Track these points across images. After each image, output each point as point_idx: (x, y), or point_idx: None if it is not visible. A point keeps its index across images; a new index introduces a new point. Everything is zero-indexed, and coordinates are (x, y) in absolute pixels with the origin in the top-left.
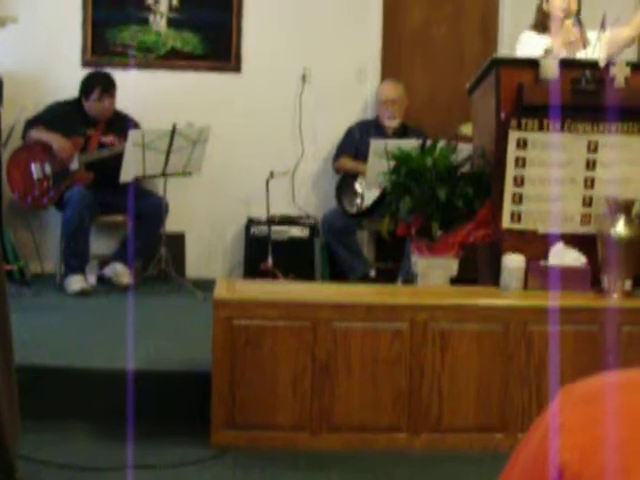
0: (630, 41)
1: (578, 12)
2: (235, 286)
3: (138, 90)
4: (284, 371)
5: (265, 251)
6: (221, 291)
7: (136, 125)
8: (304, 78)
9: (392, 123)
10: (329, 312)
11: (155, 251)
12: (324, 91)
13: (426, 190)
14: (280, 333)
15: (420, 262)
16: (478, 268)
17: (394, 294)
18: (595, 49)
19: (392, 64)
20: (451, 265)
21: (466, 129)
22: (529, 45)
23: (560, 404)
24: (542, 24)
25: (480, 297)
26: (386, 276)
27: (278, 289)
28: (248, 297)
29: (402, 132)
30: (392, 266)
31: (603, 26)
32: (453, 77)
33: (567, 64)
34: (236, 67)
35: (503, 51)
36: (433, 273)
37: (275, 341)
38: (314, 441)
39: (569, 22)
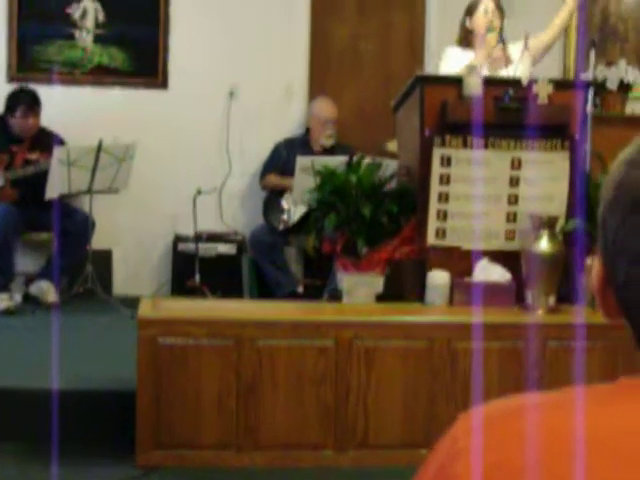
0: (551, 43)
1: (501, 30)
2: (160, 304)
3: (64, 106)
4: (209, 389)
5: (192, 268)
6: (146, 310)
7: (62, 142)
8: (232, 95)
9: (328, 142)
10: (254, 330)
11: (81, 268)
12: (252, 108)
13: (351, 207)
14: (204, 351)
15: (346, 279)
16: (404, 285)
17: (319, 311)
18: (518, 67)
19: (320, 81)
20: (376, 282)
21: (393, 146)
22: (452, 60)
23: (460, 428)
24: (465, 40)
25: (405, 314)
26: (314, 292)
27: (203, 307)
28: (173, 315)
29: (331, 150)
30: (320, 282)
31: (526, 45)
32: (381, 93)
33: (491, 82)
34: (163, 84)
35: (430, 68)
36: (359, 290)
37: (200, 359)
38: (240, 459)
39: (492, 36)
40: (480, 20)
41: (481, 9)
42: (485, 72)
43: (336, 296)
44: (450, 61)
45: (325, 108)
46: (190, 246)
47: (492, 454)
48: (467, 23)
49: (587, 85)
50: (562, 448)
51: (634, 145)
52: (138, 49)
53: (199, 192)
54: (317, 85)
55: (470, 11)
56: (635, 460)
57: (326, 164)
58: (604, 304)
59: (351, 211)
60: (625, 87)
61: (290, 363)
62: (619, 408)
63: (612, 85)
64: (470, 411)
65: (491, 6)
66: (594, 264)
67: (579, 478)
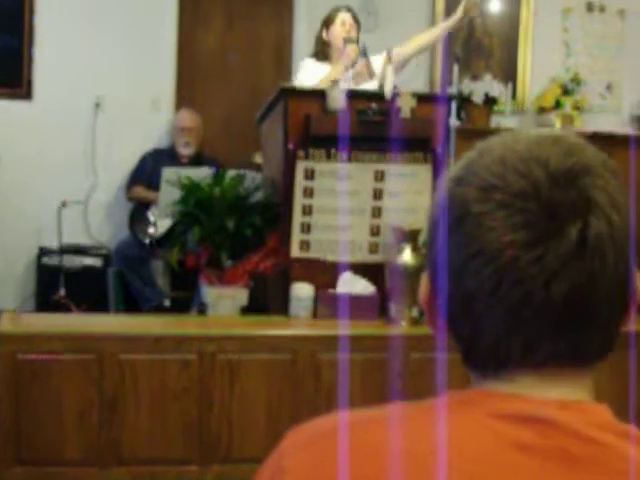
0: (412, 56)
1: (363, 44)
2: (21, 319)
3: None
4: (71, 405)
5: (57, 281)
6: (6, 325)
7: None
8: (98, 106)
9: (187, 151)
10: (116, 344)
11: None
12: (118, 119)
13: (215, 220)
14: (66, 366)
15: (210, 292)
16: (268, 297)
17: (183, 325)
18: (381, 80)
19: (187, 92)
20: (241, 295)
21: (259, 158)
22: (309, 73)
23: (284, 446)
24: (322, 53)
25: (269, 327)
26: (181, 305)
27: (65, 321)
28: (33, 330)
29: (197, 161)
30: (187, 295)
31: (390, 58)
32: (248, 106)
33: (354, 95)
34: (27, 94)
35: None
36: (223, 303)
37: (61, 375)
38: (103, 476)
39: (352, 47)
40: (337, 32)
41: (338, 21)
42: (349, 85)
43: (203, 310)
44: (307, 74)
45: (182, 117)
46: (55, 259)
47: (315, 472)
48: (324, 35)
49: (450, 99)
50: (385, 464)
51: (460, 161)
52: (2, 59)
53: (64, 204)
54: (184, 97)
55: (327, 23)
56: (447, 471)
57: (191, 176)
58: (431, 318)
59: (215, 224)
60: (490, 101)
61: (153, 377)
62: (442, 423)
63: (478, 99)
64: (298, 427)
65: (348, 18)
66: (423, 279)
67: None
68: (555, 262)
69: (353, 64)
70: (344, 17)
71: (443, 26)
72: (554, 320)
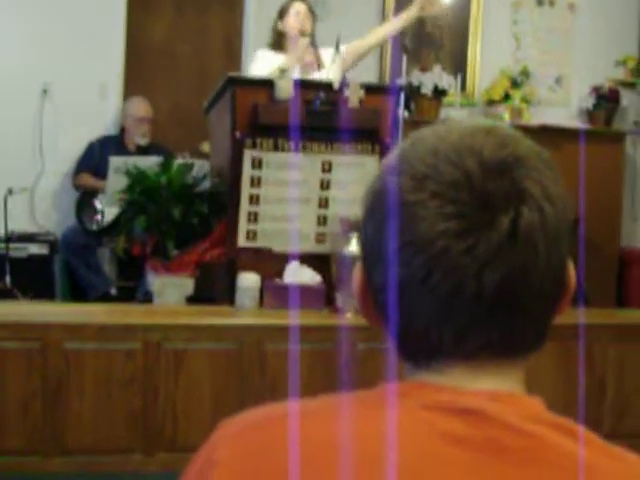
0: (367, 51)
1: (312, 34)
2: None
3: None
4: (14, 394)
5: (3, 269)
6: None
7: None
8: (45, 93)
9: (142, 141)
10: (60, 333)
11: None
12: (66, 107)
13: (161, 208)
14: (9, 355)
15: (156, 281)
16: (214, 287)
17: (128, 314)
18: (330, 71)
19: (135, 80)
20: (187, 284)
21: (207, 147)
22: (263, 63)
23: (216, 438)
24: (277, 43)
25: (215, 316)
26: (127, 294)
27: (9, 310)
28: None
29: (145, 150)
30: (134, 284)
31: (337, 48)
32: (196, 94)
33: (302, 85)
34: None
35: (247, 70)
36: (169, 292)
37: (4, 363)
38: (46, 465)
39: (304, 40)
40: (291, 22)
41: (292, 11)
42: (297, 75)
43: (149, 299)
44: (261, 64)
45: (139, 107)
46: (0, 247)
47: (247, 463)
48: (279, 25)
49: (399, 90)
50: (318, 456)
51: (394, 151)
52: None
53: (10, 192)
54: (132, 84)
55: (282, 13)
56: (380, 464)
57: (139, 165)
58: (365, 309)
59: (161, 212)
60: (439, 93)
61: (97, 366)
62: (376, 414)
63: (427, 90)
64: (229, 419)
65: (303, 9)
66: (356, 270)
67: None
68: (487, 252)
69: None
70: (298, 8)
71: (397, 24)
72: (485, 310)
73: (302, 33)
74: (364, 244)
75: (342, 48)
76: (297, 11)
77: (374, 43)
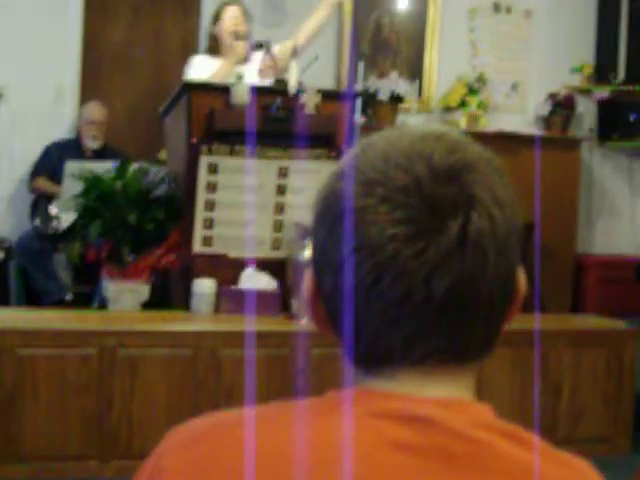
0: (298, 49)
1: (247, 36)
2: None
3: None
4: None
5: None
6: None
7: None
8: (0, 96)
9: (95, 144)
10: (14, 339)
11: None
12: (21, 109)
13: (116, 214)
14: None
15: (111, 287)
16: (170, 293)
17: (83, 320)
18: (288, 76)
19: (92, 84)
20: (142, 290)
21: (164, 154)
22: (199, 68)
23: (163, 446)
24: (213, 48)
25: (170, 322)
26: (83, 300)
27: None
28: None
29: (102, 154)
30: (90, 290)
31: (268, 53)
32: (153, 99)
33: (259, 91)
34: None
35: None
36: (124, 298)
37: None
38: (2, 472)
39: (240, 44)
40: (225, 26)
41: (225, 15)
42: (255, 81)
43: (104, 305)
44: (197, 69)
45: (90, 109)
46: None
47: (195, 472)
48: (214, 30)
49: (356, 96)
50: (268, 464)
51: (345, 157)
52: None
53: None
54: (89, 88)
55: (216, 18)
56: (330, 472)
57: (94, 170)
58: (315, 315)
59: (116, 218)
60: (396, 99)
61: (52, 372)
62: (326, 421)
63: (384, 97)
64: (176, 427)
65: (236, 11)
66: (306, 276)
67: None
68: (436, 257)
69: (245, 60)
70: (232, 11)
71: (322, 14)
72: (434, 316)
73: (237, 36)
74: (314, 250)
75: (275, 50)
76: (230, 15)
77: (305, 40)
